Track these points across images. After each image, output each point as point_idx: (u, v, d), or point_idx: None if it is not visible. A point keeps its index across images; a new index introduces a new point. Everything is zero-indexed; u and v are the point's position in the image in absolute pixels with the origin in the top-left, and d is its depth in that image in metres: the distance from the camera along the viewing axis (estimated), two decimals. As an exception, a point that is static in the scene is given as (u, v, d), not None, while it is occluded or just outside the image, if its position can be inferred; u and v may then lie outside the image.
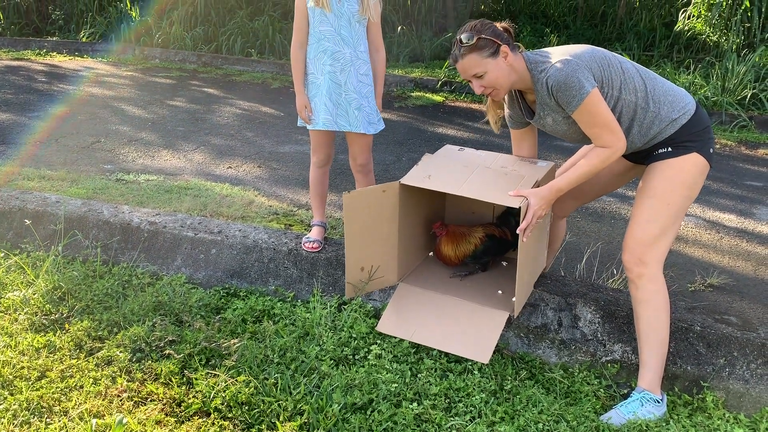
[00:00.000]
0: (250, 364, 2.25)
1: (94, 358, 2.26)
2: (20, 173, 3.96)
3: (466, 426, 2.05)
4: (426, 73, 7.81)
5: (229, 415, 2.03)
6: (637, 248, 2.20)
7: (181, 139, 5.23)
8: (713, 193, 4.40)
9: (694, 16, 8.15)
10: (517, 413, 2.12)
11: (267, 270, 2.89)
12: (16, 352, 2.26)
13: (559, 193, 2.23)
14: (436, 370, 2.31)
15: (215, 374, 2.19)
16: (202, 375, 2.18)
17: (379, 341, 2.45)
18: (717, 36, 7.80)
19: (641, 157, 2.32)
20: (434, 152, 2.66)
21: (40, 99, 6.33)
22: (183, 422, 2.01)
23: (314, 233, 2.94)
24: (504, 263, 2.86)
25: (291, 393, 2.13)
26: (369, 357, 2.34)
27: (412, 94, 7.22)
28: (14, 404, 2.00)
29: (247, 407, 2.06)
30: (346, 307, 2.66)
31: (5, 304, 2.56)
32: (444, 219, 2.95)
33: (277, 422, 2.00)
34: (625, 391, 2.33)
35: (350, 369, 2.28)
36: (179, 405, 2.08)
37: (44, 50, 9.30)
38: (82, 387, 2.12)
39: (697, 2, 8.05)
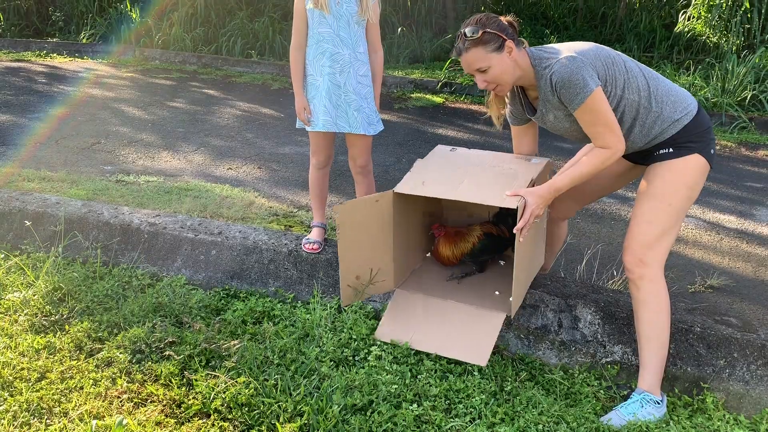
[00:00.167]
0: (250, 366, 2.25)
1: (94, 360, 2.26)
2: (20, 174, 3.96)
3: (466, 427, 2.05)
4: (426, 75, 7.81)
5: (229, 417, 2.03)
6: (638, 249, 2.20)
7: (181, 140, 5.23)
8: (713, 194, 4.40)
9: (693, 17, 8.15)
10: (517, 414, 2.12)
11: (267, 271, 2.89)
12: (16, 354, 2.26)
13: (557, 192, 2.22)
14: (436, 372, 2.31)
15: (215, 375, 2.19)
16: (202, 376, 2.18)
17: (379, 342, 2.45)
18: (717, 37, 7.80)
19: (642, 157, 2.32)
20: (426, 155, 2.64)
21: (40, 100, 6.33)
22: (183, 423, 2.00)
23: (314, 234, 2.94)
24: (501, 262, 2.85)
25: (291, 394, 2.13)
26: (369, 358, 2.34)
27: (412, 95, 7.22)
28: (14, 405, 1.99)
29: (247, 408, 2.06)
30: (346, 308, 2.66)
31: (5, 306, 2.56)
32: (441, 221, 2.94)
33: (277, 423, 2.00)
34: (626, 393, 2.32)
35: (350, 370, 2.28)
36: (179, 406, 2.08)
37: (44, 51, 9.31)
38: (82, 388, 2.12)
39: (696, 3, 8.06)
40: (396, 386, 2.18)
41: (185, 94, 6.92)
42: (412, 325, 2.47)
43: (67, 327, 2.45)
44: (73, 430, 1.93)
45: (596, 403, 2.25)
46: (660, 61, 7.68)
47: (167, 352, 2.29)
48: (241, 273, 2.90)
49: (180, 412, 2.05)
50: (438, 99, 7.07)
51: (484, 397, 2.17)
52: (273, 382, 2.17)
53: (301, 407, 2.06)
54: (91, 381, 2.15)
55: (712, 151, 2.21)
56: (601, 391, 2.34)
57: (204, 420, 2.02)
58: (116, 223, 3.09)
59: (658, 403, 2.18)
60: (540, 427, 2.06)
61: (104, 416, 1.99)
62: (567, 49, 2.15)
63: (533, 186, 2.28)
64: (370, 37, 2.77)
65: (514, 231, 2.18)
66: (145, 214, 3.18)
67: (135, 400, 2.08)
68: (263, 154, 4.93)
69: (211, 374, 2.20)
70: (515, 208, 2.17)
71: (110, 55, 9.05)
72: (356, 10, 2.65)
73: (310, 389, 2.16)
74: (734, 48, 7.37)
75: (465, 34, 2.13)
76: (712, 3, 7.84)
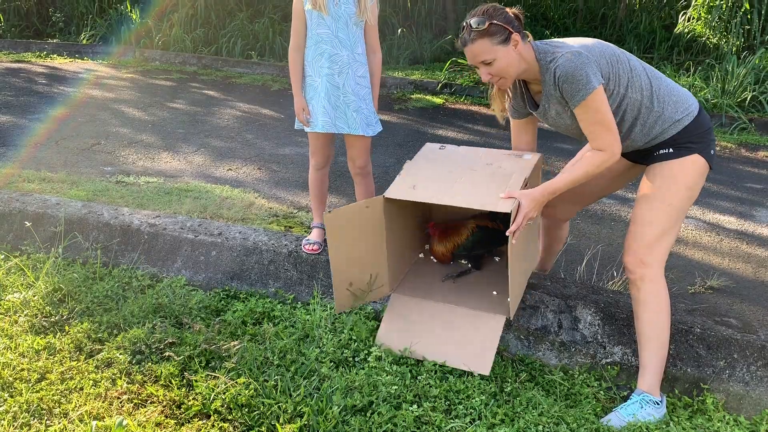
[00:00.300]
0: (250, 366, 2.25)
1: (94, 360, 2.26)
2: (20, 175, 3.97)
3: (466, 428, 2.05)
4: (426, 76, 7.82)
5: (229, 417, 2.03)
6: (638, 250, 2.20)
7: (181, 141, 5.23)
8: (713, 195, 4.41)
9: (693, 18, 8.16)
10: (517, 415, 2.12)
11: (267, 272, 2.89)
12: (16, 354, 2.26)
13: (552, 195, 2.19)
14: (436, 372, 2.31)
15: (215, 376, 2.19)
16: (202, 377, 2.18)
17: (378, 343, 2.45)
18: (717, 38, 7.81)
19: (641, 156, 2.31)
20: (415, 155, 2.58)
21: (40, 101, 6.34)
22: (183, 424, 2.01)
23: (314, 235, 2.94)
24: (496, 258, 2.80)
25: (291, 395, 2.13)
26: (369, 359, 2.34)
27: (412, 96, 7.22)
28: (14, 406, 1.99)
29: (247, 409, 2.06)
30: (345, 309, 2.66)
31: (5, 306, 2.56)
32: (434, 220, 2.89)
33: (277, 424, 2.00)
34: (626, 394, 2.32)
35: (350, 371, 2.28)
36: (179, 407, 2.08)
37: (44, 52, 9.31)
38: (82, 389, 2.12)
39: (696, 5, 8.06)
40: (396, 387, 2.18)
41: (185, 95, 6.93)
42: (412, 331, 2.44)
43: (67, 328, 2.45)
44: (73, 430, 1.93)
45: (596, 404, 2.25)
46: (660, 62, 7.69)
47: (167, 353, 2.29)
48: (241, 274, 2.91)
49: (180, 413, 2.05)
50: (438, 100, 7.07)
51: (484, 398, 2.17)
52: (273, 383, 2.17)
53: (301, 408, 2.06)
54: (91, 382, 2.15)
55: (712, 152, 2.21)
56: (601, 392, 2.34)
57: (204, 421, 2.02)
58: (116, 224, 3.09)
59: (658, 404, 2.18)
60: (540, 428, 2.06)
61: (104, 417, 1.99)
62: (573, 43, 2.13)
63: (527, 186, 2.25)
64: (369, 39, 2.77)
65: (507, 234, 2.14)
66: (145, 215, 3.18)
67: (135, 400, 2.09)
68: (263, 155, 4.94)
69: (211, 375, 2.20)
70: (509, 211, 2.13)
71: (110, 56, 9.06)
72: (354, 11, 2.66)
73: (310, 390, 2.16)
74: (734, 49, 7.38)
75: (471, 24, 2.09)
76: (712, 4, 7.85)
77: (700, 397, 2.31)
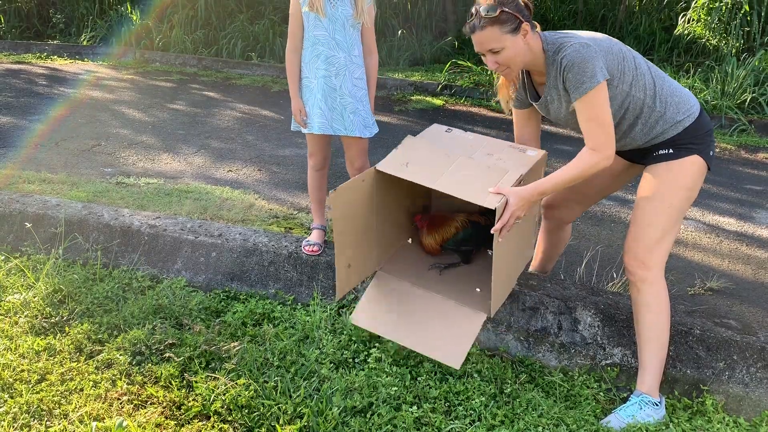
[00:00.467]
0: (250, 368, 2.25)
1: (94, 361, 2.26)
2: (21, 176, 3.97)
3: (466, 429, 2.05)
4: (426, 77, 7.82)
5: (229, 418, 2.03)
6: (638, 251, 2.20)
7: (182, 142, 5.24)
8: (713, 196, 4.41)
9: (693, 20, 8.16)
10: (516, 417, 2.12)
11: (267, 273, 2.89)
12: (16, 355, 2.26)
13: (541, 195, 2.15)
14: (435, 374, 2.31)
15: (215, 377, 2.19)
16: (202, 378, 2.19)
17: (378, 344, 2.45)
18: (717, 40, 7.81)
19: (641, 156, 2.31)
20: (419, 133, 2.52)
21: (40, 102, 6.34)
22: (183, 425, 2.01)
23: (314, 236, 2.95)
24: (490, 252, 2.70)
25: (291, 396, 2.14)
26: (369, 360, 2.34)
27: (412, 97, 7.22)
28: (14, 407, 2.00)
29: (246, 410, 2.06)
30: (346, 310, 2.66)
31: (5, 307, 2.56)
32: (430, 205, 2.82)
33: (276, 425, 2.00)
34: (625, 395, 2.33)
35: (350, 372, 2.28)
36: (179, 408, 2.08)
37: (45, 53, 9.31)
38: (82, 390, 2.12)
39: (696, 6, 8.07)
40: (396, 388, 2.18)
41: (185, 96, 6.93)
42: (391, 314, 2.38)
43: (67, 329, 2.45)
44: (73, 431, 1.93)
45: (596, 406, 2.25)
46: (660, 64, 7.69)
47: (167, 354, 2.29)
48: (241, 275, 2.91)
49: (180, 414, 2.05)
50: (438, 101, 7.08)
51: (483, 399, 2.18)
52: (273, 384, 2.17)
53: (301, 409, 2.06)
54: (91, 383, 2.15)
55: (711, 153, 2.21)
56: (601, 393, 2.34)
57: (204, 422, 2.02)
58: (116, 225, 3.09)
59: (657, 405, 2.18)
60: (540, 429, 2.07)
61: (104, 418, 1.99)
62: (581, 36, 2.10)
63: (521, 183, 2.20)
64: (366, 40, 2.77)
65: (492, 231, 2.08)
66: (146, 216, 3.19)
67: (135, 401, 2.09)
68: (263, 156, 4.94)
69: (211, 376, 2.20)
70: (494, 208, 2.06)
71: (110, 57, 9.06)
72: (351, 13, 2.66)
73: (309, 391, 2.16)
74: (734, 51, 7.38)
75: (481, 11, 2.04)
76: (711, 6, 7.85)
77: (699, 399, 2.31)
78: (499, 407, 2.16)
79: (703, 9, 8.01)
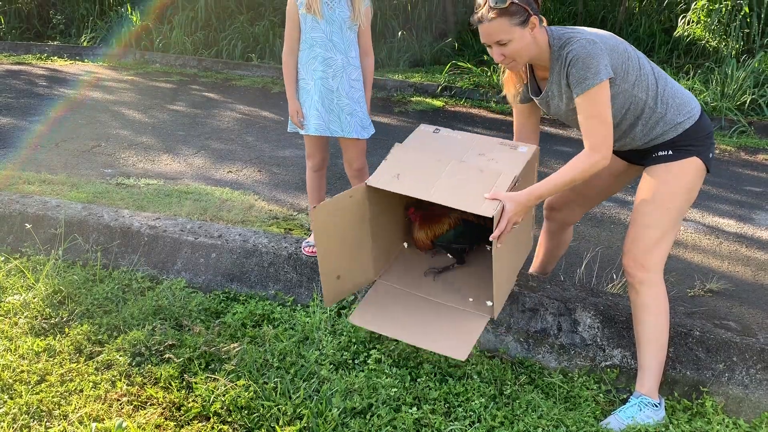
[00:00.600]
0: (249, 369, 2.25)
1: (93, 362, 2.26)
2: (21, 177, 3.97)
3: (466, 431, 2.05)
4: (426, 78, 7.82)
5: (229, 420, 2.03)
6: (637, 253, 2.20)
7: (182, 143, 5.24)
8: (712, 198, 4.41)
9: (693, 21, 8.17)
10: (516, 418, 2.12)
11: (267, 274, 2.89)
12: (16, 356, 2.26)
13: (538, 200, 2.13)
14: (435, 375, 2.31)
15: (215, 378, 2.19)
16: (201, 379, 2.19)
17: (378, 346, 2.45)
18: (716, 42, 7.82)
19: (640, 156, 2.31)
20: (407, 137, 2.48)
21: (40, 103, 6.34)
22: (182, 426, 2.01)
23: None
24: (488, 247, 2.67)
25: (290, 397, 2.14)
26: (369, 361, 2.34)
27: (412, 99, 7.23)
28: (14, 408, 2.00)
29: (246, 411, 2.06)
30: (345, 311, 2.66)
31: (5, 308, 2.56)
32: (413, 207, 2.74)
33: (276, 426, 2.00)
34: (625, 396, 2.33)
35: (350, 373, 2.28)
36: (179, 409, 2.08)
37: (45, 54, 9.32)
38: (81, 391, 2.12)
39: (696, 8, 8.07)
40: (395, 390, 2.18)
41: (185, 98, 6.93)
42: (391, 314, 2.37)
43: (66, 330, 2.45)
44: (73, 432, 1.93)
45: (595, 407, 2.25)
46: (659, 65, 7.68)
47: (167, 355, 2.29)
48: (241, 276, 2.91)
49: (180, 415, 2.05)
50: (438, 103, 7.08)
51: (483, 400, 2.18)
52: (273, 385, 2.17)
53: (301, 410, 2.06)
54: (91, 384, 2.15)
55: (711, 156, 2.21)
56: (601, 394, 2.34)
57: (203, 423, 2.02)
58: (116, 226, 3.09)
59: (656, 407, 2.18)
60: (539, 430, 2.07)
61: (104, 419, 1.99)
62: (588, 32, 2.09)
63: (517, 184, 2.19)
64: (362, 42, 2.78)
65: (491, 239, 2.07)
66: (145, 217, 3.19)
67: (135, 402, 2.09)
68: (263, 157, 4.94)
69: (211, 377, 2.20)
70: (491, 216, 2.04)
71: (111, 58, 9.07)
72: (349, 15, 2.67)
73: (309, 392, 2.17)
74: (733, 52, 7.38)
75: (490, 2, 2.02)
76: (711, 7, 7.86)
77: (699, 400, 2.31)
78: (498, 408, 2.16)
79: (702, 11, 8.01)
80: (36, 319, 2.50)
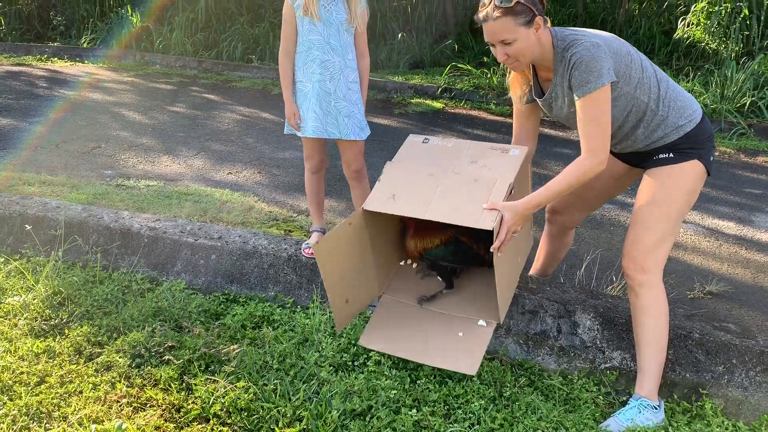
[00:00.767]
0: (249, 370, 2.25)
1: (93, 364, 2.26)
2: (21, 178, 3.97)
3: (465, 433, 2.05)
4: (426, 80, 7.83)
5: (228, 421, 2.03)
6: (637, 255, 2.20)
7: (182, 144, 5.24)
8: (712, 200, 4.41)
9: (693, 24, 8.17)
10: (516, 420, 2.12)
11: (267, 276, 2.89)
12: (16, 358, 2.26)
13: (536, 208, 2.14)
14: (435, 377, 2.31)
15: (214, 380, 2.19)
16: (201, 381, 2.19)
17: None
18: (716, 44, 7.82)
19: (641, 159, 2.31)
20: (396, 153, 2.49)
21: (40, 104, 6.35)
22: (182, 428, 2.01)
23: (314, 239, 2.95)
24: (488, 265, 2.66)
25: (290, 399, 2.14)
26: (368, 363, 2.34)
27: (412, 100, 7.23)
28: (13, 409, 1.99)
29: (246, 413, 2.06)
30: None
31: (5, 309, 2.56)
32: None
33: (276, 428, 2.00)
34: (624, 399, 2.33)
35: (349, 375, 2.28)
36: (178, 411, 2.08)
37: (45, 56, 9.32)
38: (81, 392, 2.12)
39: (696, 10, 8.08)
40: (395, 391, 2.18)
41: (185, 99, 6.94)
42: (399, 332, 2.41)
43: (66, 331, 2.45)
44: (73, 434, 1.93)
45: (595, 409, 2.25)
46: (659, 67, 7.70)
47: (167, 357, 2.29)
48: (241, 277, 2.91)
49: (179, 417, 2.05)
50: (438, 104, 7.08)
51: (483, 402, 2.18)
52: (272, 386, 2.17)
53: (301, 412, 2.06)
54: (91, 385, 2.15)
55: (711, 159, 2.21)
56: (600, 396, 2.34)
57: (203, 425, 2.02)
58: (116, 227, 3.09)
59: (656, 409, 2.18)
60: (539, 432, 2.07)
61: (103, 420, 1.99)
62: (592, 34, 2.09)
63: (512, 190, 2.19)
64: (358, 44, 2.78)
65: (491, 250, 2.09)
66: (145, 218, 3.19)
67: (134, 404, 2.09)
68: (263, 158, 4.94)
69: (211, 379, 2.20)
70: (491, 229, 2.05)
71: (111, 59, 9.07)
72: (345, 18, 2.67)
73: (309, 394, 2.17)
74: (733, 55, 7.39)
75: (496, 0, 2.01)
76: (711, 10, 7.86)
77: (698, 403, 2.31)
78: (498, 410, 2.16)
79: (702, 13, 8.02)
80: (36, 321, 2.50)
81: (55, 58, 9.22)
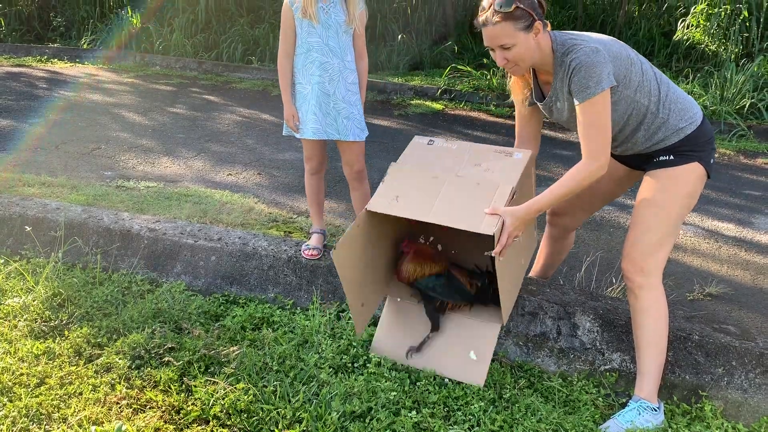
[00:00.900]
0: (249, 372, 2.25)
1: (93, 365, 2.26)
2: (21, 179, 3.97)
3: (465, 434, 2.05)
4: (426, 81, 7.84)
5: (228, 423, 2.03)
6: (637, 257, 2.20)
7: (181, 145, 5.24)
8: (712, 202, 4.42)
9: (692, 25, 8.18)
10: (516, 422, 2.12)
11: (266, 277, 2.89)
12: (16, 359, 2.26)
13: (537, 213, 2.15)
14: (435, 379, 2.31)
15: (214, 381, 2.19)
16: (201, 382, 2.19)
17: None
18: (716, 45, 7.83)
19: (642, 161, 2.31)
20: (401, 154, 2.49)
21: (40, 105, 6.35)
22: (182, 429, 2.01)
23: (314, 241, 2.95)
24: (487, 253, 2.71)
25: (290, 401, 2.14)
26: (368, 365, 2.35)
27: (411, 102, 7.24)
28: (13, 411, 1.99)
29: (246, 415, 2.06)
30: (345, 314, 2.66)
31: (5, 311, 2.56)
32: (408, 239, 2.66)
33: (275, 430, 2.00)
34: (624, 400, 2.33)
35: (349, 377, 2.28)
36: (178, 412, 2.08)
37: (45, 57, 9.33)
38: (81, 394, 2.12)
39: (696, 12, 8.09)
40: (395, 393, 2.18)
41: (185, 100, 6.94)
42: (406, 340, 2.44)
43: (66, 332, 2.45)
44: (72, 435, 1.93)
45: (595, 411, 2.25)
46: (659, 69, 7.70)
47: (166, 358, 2.29)
48: (241, 279, 2.91)
49: (179, 419, 2.05)
50: (438, 106, 7.09)
51: (482, 404, 2.18)
52: (272, 388, 2.17)
53: (300, 414, 2.06)
54: (90, 387, 2.15)
55: (711, 161, 2.21)
56: (600, 398, 2.34)
57: (203, 426, 2.02)
58: (116, 228, 3.09)
59: (655, 411, 2.18)
60: (538, 434, 2.07)
61: (103, 422, 1.99)
62: (592, 39, 2.09)
63: (515, 194, 2.20)
64: (356, 45, 2.79)
65: (493, 254, 2.09)
66: (145, 219, 3.19)
67: (134, 406, 2.09)
68: (263, 159, 4.94)
69: (210, 380, 2.20)
70: (492, 234, 2.05)
71: (111, 60, 9.08)
72: (344, 20, 2.67)
73: (309, 396, 2.17)
74: (733, 56, 7.40)
75: (495, 5, 2.01)
76: (711, 12, 7.87)
77: (698, 405, 2.31)
78: (498, 412, 2.16)
79: (702, 15, 8.03)
80: (35, 322, 2.50)
81: (55, 59, 9.23)
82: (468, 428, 2.08)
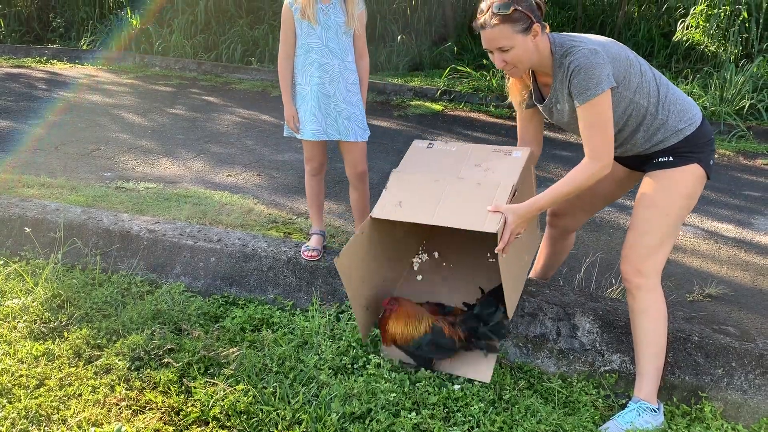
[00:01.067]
0: (248, 373, 2.25)
1: (92, 367, 2.26)
2: (20, 180, 3.97)
3: (465, 436, 2.05)
4: (425, 82, 7.84)
5: (228, 424, 2.03)
6: (635, 259, 2.20)
7: (181, 146, 5.24)
8: (712, 203, 4.42)
9: (692, 26, 8.19)
10: (515, 423, 2.12)
11: (266, 278, 2.89)
12: (15, 360, 2.26)
13: (539, 211, 2.17)
14: (434, 380, 2.31)
15: (214, 383, 2.19)
16: (200, 383, 2.18)
17: (377, 350, 2.45)
18: (715, 46, 7.84)
19: (641, 162, 2.31)
20: (402, 159, 2.50)
21: (40, 106, 6.35)
22: (181, 431, 2.00)
23: (313, 242, 2.95)
24: (489, 255, 2.68)
25: (289, 402, 2.13)
26: (368, 366, 2.34)
27: (411, 102, 7.24)
28: (12, 412, 1.99)
29: (245, 416, 2.06)
30: (344, 315, 2.66)
31: (4, 312, 2.56)
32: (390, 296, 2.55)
33: (275, 431, 2.00)
34: (624, 401, 2.33)
35: (349, 378, 2.28)
36: (178, 413, 2.08)
37: (45, 58, 9.33)
38: (80, 395, 2.12)
39: (695, 13, 8.09)
40: (394, 394, 2.18)
41: (185, 101, 6.94)
42: None
43: (65, 334, 2.45)
44: (72, 437, 1.93)
45: (594, 412, 2.25)
46: (658, 70, 7.70)
47: (166, 360, 2.29)
48: (240, 280, 2.91)
49: (178, 420, 2.05)
50: (437, 107, 7.09)
51: (482, 405, 2.18)
52: (272, 389, 2.17)
53: (300, 415, 2.06)
54: (90, 388, 2.15)
55: (711, 162, 2.21)
56: (600, 399, 2.34)
57: (202, 427, 2.02)
58: (116, 229, 3.09)
59: (655, 412, 2.18)
60: (538, 435, 2.06)
61: (103, 423, 1.99)
62: (592, 40, 2.09)
63: (516, 192, 2.22)
64: (357, 45, 2.79)
65: (496, 251, 2.12)
66: (145, 220, 3.19)
67: (133, 407, 2.08)
68: (263, 160, 4.94)
69: (210, 381, 2.20)
70: (495, 232, 2.09)
71: (110, 61, 9.08)
72: (344, 20, 2.67)
73: (308, 397, 2.16)
74: (732, 57, 7.40)
75: (493, 8, 2.02)
76: (710, 12, 7.88)
77: (698, 405, 2.31)
78: (497, 413, 2.16)
79: (701, 16, 8.03)
80: (35, 323, 2.50)
81: (55, 60, 9.23)
82: (468, 429, 2.08)
